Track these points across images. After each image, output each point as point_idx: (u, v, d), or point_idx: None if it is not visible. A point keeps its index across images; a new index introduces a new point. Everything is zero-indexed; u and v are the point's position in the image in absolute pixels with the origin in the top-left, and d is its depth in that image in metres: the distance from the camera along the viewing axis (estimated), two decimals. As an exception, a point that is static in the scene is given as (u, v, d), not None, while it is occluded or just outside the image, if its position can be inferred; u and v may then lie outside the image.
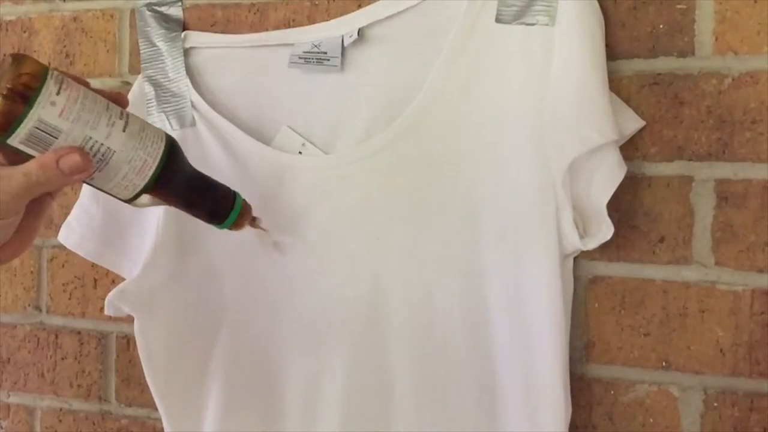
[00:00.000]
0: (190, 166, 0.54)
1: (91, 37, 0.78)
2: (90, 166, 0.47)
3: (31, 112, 0.45)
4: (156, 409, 0.71)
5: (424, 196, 0.63)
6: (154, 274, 0.69)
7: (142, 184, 0.50)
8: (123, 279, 0.71)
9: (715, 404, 0.61)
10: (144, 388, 0.73)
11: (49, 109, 0.45)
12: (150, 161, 0.49)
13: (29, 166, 0.46)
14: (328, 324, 0.67)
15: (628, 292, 0.63)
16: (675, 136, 0.61)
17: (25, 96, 0.45)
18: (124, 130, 0.48)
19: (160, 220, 0.69)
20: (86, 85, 0.49)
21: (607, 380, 0.64)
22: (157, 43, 0.71)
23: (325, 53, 0.66)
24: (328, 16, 0.69)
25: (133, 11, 0.75)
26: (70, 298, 0.80)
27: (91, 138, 0.47)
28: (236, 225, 0.57)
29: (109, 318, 0.75)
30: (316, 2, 0.70)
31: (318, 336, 0.67)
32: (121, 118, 0.48)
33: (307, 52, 0.66)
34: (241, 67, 0.69)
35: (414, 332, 0.64)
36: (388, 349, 0.65)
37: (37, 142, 0.46)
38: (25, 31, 0.80)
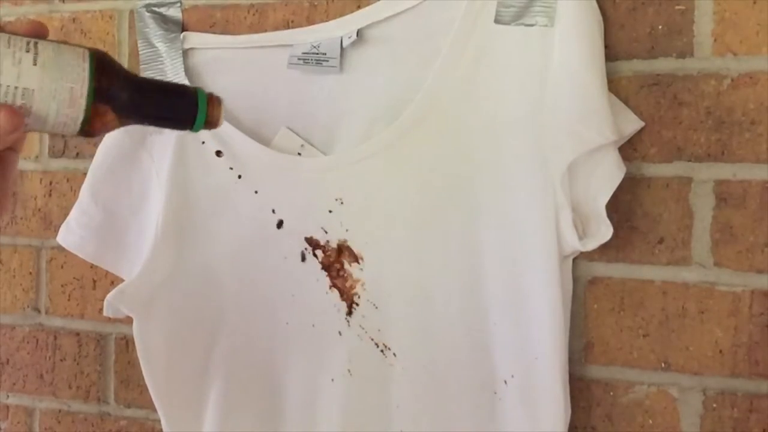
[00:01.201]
0: (129, 76, 0.47)
1: (90, 38, 0.78)
2: (20, 118, 0.42)
3: None
4: (155, 411, 0.71)
5: (424, 196, 0.63)
6: (153, 275, 0.69)
7: (81, 115, 0.44)
8: (122, 280, 0.71)
9: (715, 405, 0.61)
10: (143, 389, 0.73)
11: None
12: (78, 87, 0.44)
13: None
14: (327, 324, 0.67)
15: (628, 293, 0.63)
16: (674, 136, 0.61)
17: None
18: (35, 64, 0.43)
19: (159, 221, 0.69)
20: None
21: (606, 381, 0.64)
22: (156, 44, 0.71)
23: (324, 54, 0.66)
24: (327, 17, 0.69)
25: (132, 12, 0.75)
26: (69, 300, 0.80)
27: (1, 84, 0.42)
28: (209, 123, 0.49)
29: (108, 319, 0.74)
30: (315, 3, 0.70)
31: (317, 337, 0.67)
32: (28, 51, 0.43)
33: (306, 53, 0.66)
34: (240, 68, 0.69)
35: (413, 333, 0.64)
36: (388, 349, 0.65)
37: None
38: (24, 32, 0.80)
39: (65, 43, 0.45)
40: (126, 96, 0.46)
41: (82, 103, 0.44)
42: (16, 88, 0.42)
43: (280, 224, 0.67)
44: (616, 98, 0.61)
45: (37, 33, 0.45)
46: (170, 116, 0.48)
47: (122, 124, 0.47)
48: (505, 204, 0.61)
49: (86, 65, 0.44)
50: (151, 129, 0.48)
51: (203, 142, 0.68)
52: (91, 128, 0.45)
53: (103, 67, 0.45)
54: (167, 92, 0.48)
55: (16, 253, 0.82)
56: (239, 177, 0.68)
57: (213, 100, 0.49)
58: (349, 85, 0.66)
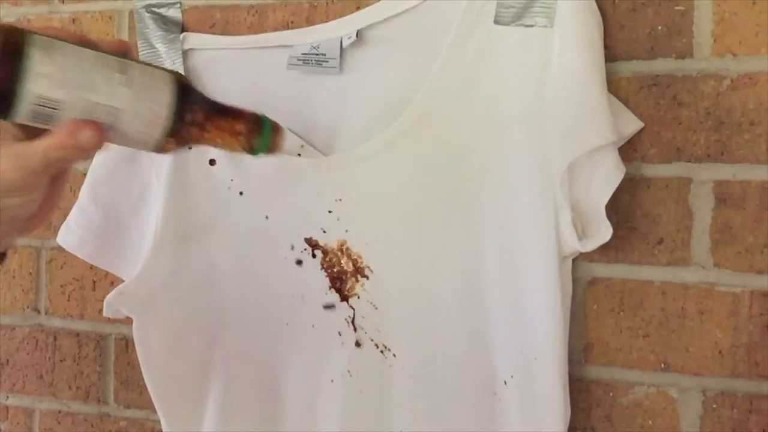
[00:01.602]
0: (206, 100, 0.50)
1: (90, 38, 0.78)
2: (103, 136, 0.45)
3: (23, 90, 0.42)
4: (155, 411, 0.71)
5: (423, 197, 0.63)
6: (153, 276, 0.69)
7: (158, 134, 0.47)
8: (122, 281, 0.71)
9: (714, 406, 0.61)
10: (143, 390, 0.73)
11: (42, 82, 0.43)
12: (160, 110, 0.47)
13: (45, 143, 0.45)
14: (326, 325, 0.67)
15: (627, 293, 0.63)
16: (674, 137, 0.61)
17: (8, 75, 0.42)
18: (125, 85, 0.46)
19: (159, 222, 0.69)
20: (84, 39, 0.47)
21: (606, 382, 0.64)
22: (156, 45, 0.71)
23: (324, 55, 0.66)
24: (327, 17, 0.69)
25: (131, 13, 0.75)
26: (68, 300, 0.80)
27: (94, 102, 0.45)
28: (271, 149, 0.52)
29: (108, 320, 0.74)
30: (315, 4, 0.70)
31: (317, 337, 0.67)
32: (120, 72, 0.46)
33: (305, 54, 0.66)
34: (239, 68, 0.69)
35: (413, 333, 0.64)
36: (388, 350, 0.65)
37: (43, 117, 0.44)
38: (23, 33, 0.80)
39: (151, 65, 0.48)
40: (201, 120, 0.49)
41: (162, 124, 0.47)
42: (106, 106, 0.45)
43: (279, 224, 0.67)
44: (615, 99, 0.61)
45: (124, 51, 0.48)
46: (237, 142, 0.51)
47: (192, 144, 0.50)
48: (505, 204, 0.61)
49: (170, 89, 0.47)
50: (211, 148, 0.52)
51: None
52: (164, 147, 0.48)
53: (184, 91, 0.48)
54: (238, 119, 0.51)
55: (15, 253, 0.82)
56: (238, 178, 0.68)
57: (277, 129, 0.52)
58: (348, 86, 0.66)
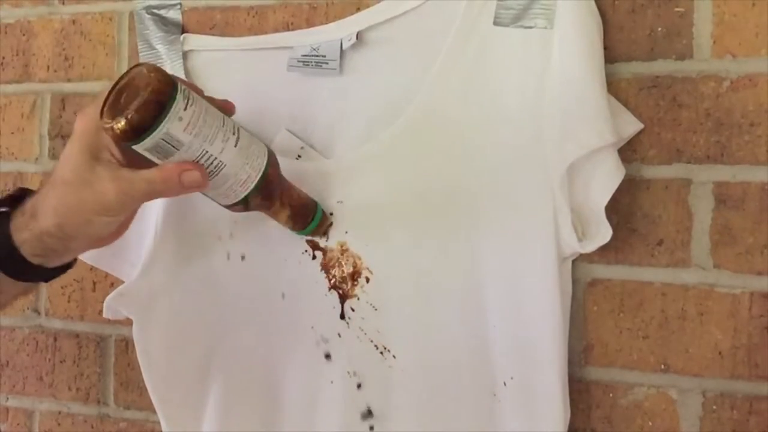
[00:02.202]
0: (284, 179, 0.58)
1: (90, 40, 0.78)
2: (206, 182, 0.51)
3: (161, 125, 0.47)
4: (155, 412, 0.71)
5: (423, 199, 0.63)
6: (153, 277, 0.69)
7: (243, 195, 0.54)
8: (122, 282, 0.71)
9: (714, 407, 0.61)
10: (143, 391, 0.73)
11: (176, 124, 0.48)
12: (253, 175, 0.54)
13: (152, 174, 0.49)
14: (326, 326, 0.67)
15: (627, 294, 0.63)
16: (673, 138, 0.61)
17: (157, 110, 0.47)
18: (235, 146, 0.52)
19: (158, 223, 0.69)
20: (200, 93, 0.52)
21: (605, 383, 0.64)
22: (156, 46, 0.71)
23: (324, 56, 0.66)
24: (327, 19, 0.69)
25: (131, 14, 0.75)
26: (68, 301, 0.80)
27: (207, 152, 0.50)
28: (314, 233, 0.63)
29: (108, 321, 0.74)
30: (315, 5, 0.70)
31: (317, 339, 0.67)
32: (234, 134, 0.52)
33: (305, 56, 0.66)
34: (239, 70, 0.69)
35: (413, 334, 0.64)
36: (387, 351, 0.65)
37: (160, 152, 0.49)
38: (24, 34, 0.80)
39: (251, 134, 0.55)
40: (276, 194, 0.57)
41: (249, 186, 0.54)
42: (215, 158, 0.51)
43: (279, 226, 0.67)
44: (615, 100, 0.61)
45: (229, 110, 0.55)
46: (293, 220, 0.61)
47: (254, 209, 0.57)
48: (505, 206, 0.61)
49: (265, 159, 0.55)
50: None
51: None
52: (240, 206, 0.55)
53: (274, 165, 0.56)
54: (303, 202, 0.61)
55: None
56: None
57: (325, 218, 0.63)
58: (348, 88, 0.66)
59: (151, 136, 0.48)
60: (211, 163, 0.51)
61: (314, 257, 0.67)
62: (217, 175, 0.52)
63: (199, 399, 0.70)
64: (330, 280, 0.67)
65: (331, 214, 0.66)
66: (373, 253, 0.65)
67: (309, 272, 0.67)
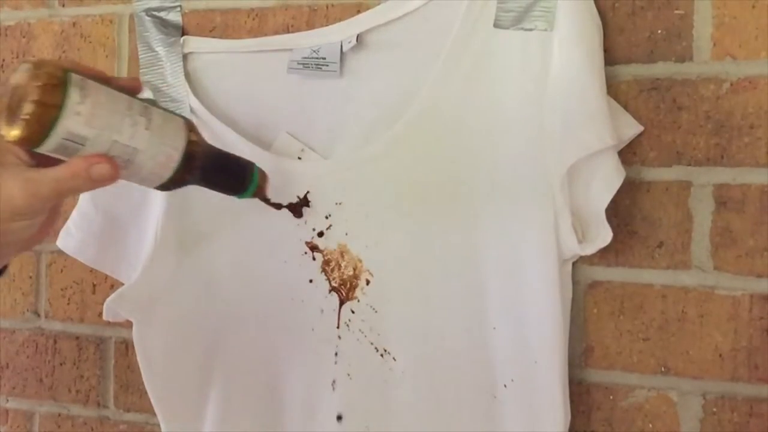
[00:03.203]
0: (210, 147, 0.54)
1: (90, 42, 0.78)
2: (117, 173, 0.48)
3: (57, 126, 0.45)
4: (154, 415, 0.71)
5: (423, 201, 0.63)
6: (153, 279, 0.69)
7: (168, 175, 0.50)
8: (122, 284, 0.71)
9: (714, 409, 0.61)
10: (142, 393, 0.73)
11: (74, 120, 0.45)
12: (174, 153, 0.50)
13: (59, 173, 0.47)
14: (326, 328, 0.67)
15: (627, 297, 0.63)
16: (673, 141, 0.61)
17: (50, 111, 0.44)
18: (147, 128, 0.48)
19: (159, 225, 0.69)
20: (102, 75, 0.49)
21: (606, 385, 0.64)
22: (156, 48, 0.71)
23: (324, 59, 0.66)
24: (327, 21, 0.69)
25: (132, 16, 0.75)
26: (68, 303, 0.80)
27: (116, 141, 0.47)
28: (257, 194, 0.58)
29: (108, 323, 0.74)
30: (315, 8, 0.70)
31: (317, 340, 0.67)
32: (143, 115, 0.49)
33: (305, 58, 0.66)
34: (239, 72, 0.69)
35: (413, 336, 0.64)
36: (387, 353, 0.65)
37: (65, 150, 0.46)
38: (24, 36, 0.80)
39: (167, 111, 0.51)
40: (204, 165, 0.53)
41: (172, 166, 0.50)
42: (126, 146, 0.48)
43: (279, 228, 0.67)
44: (615, 102, 0.61)
45: (136, 89, 0.51)
46: (230, 185, 0.56)
47: (190, 184, 0.53)
48: (505, 208, 0.61)
49: (183, 135, 0.51)
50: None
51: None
52: (167, 186, 0.52)
53: (196, 137, 0.52)
54: (233, 165, 0.56)
55: (15, 257, 0.81)
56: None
57: (263, 175, 0.57)
58: (348, 90, 0.66)
59: (49, 139, 0.45)
60: (123, 151, 0.48)
61: (314, 259, 0.67)
62: (132, 162, 0.48)
63: (199, 401, 0.70)
64: (330, 282, 0.67)
65: (330, 215, 0.66)
66: (373, 255, 0.65)
67: (309, 274, 0.67)
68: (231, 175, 0.56)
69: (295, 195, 0.66)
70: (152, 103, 0.51)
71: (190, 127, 0.52)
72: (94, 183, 0.47)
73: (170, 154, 0.50)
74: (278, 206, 0.64)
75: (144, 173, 0.50)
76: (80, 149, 0.46)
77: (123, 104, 0.48)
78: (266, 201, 0.61)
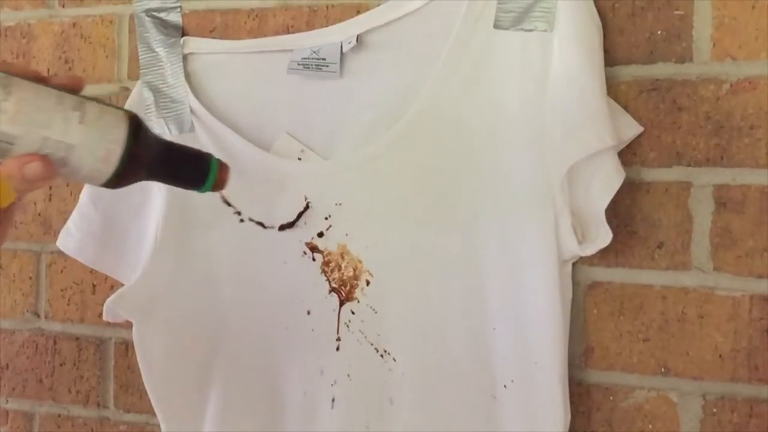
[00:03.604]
0: (158, 140, 0.52)
1: (90, 42, 0.78)
2: (52, 170, 0.46)
3: None
4: (154, 415, 0.71)
5: (423, 201, 0.63)
6: (153, 280, 0.69)
7: (111, 171, 0.48)
8: (121, 285, 0.71)
9: (714, 410, 0.61)
10: (142, 394, 0.73)
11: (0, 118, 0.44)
12: (115, 147, 0.48)
13: None
14: (326, 328, 0.67)
15: (627, 297, 0.63)
16: (673, 141, 0.61)
17: None
18: (81, 122, 0.46)
19: (159, 226, 0.69)
20: (36, 75, 0.48)
21: (606, 386, 0.64)
22: (156, 49, 0.71)
23: (324, 59, 0.66)
24: (327, 22, 0.69)
25: (132, 17, 0.75)
26: (68, 304, 0.80)
27: (47, 138, 0.45)
28: (217, 186, 0.54)
29: (108, 324, 0.74)
30: (315, 8, 0.70)
31: (317, 341, 0.67)
32: (75, 110, 0.47)
33: (305, 59, 0.66)
34: (239, 73, 0.69)
35: (413, 337, 0.64)
36: (388, 354, 0.65)
37: None
38: (24, 37, 0.80)
39: (106, 104, 0.49)
40: (152, 158, 0.50)
41: (115, 161, 0.48)
42: (60, 142, 0.46)
43: (279, 229, 0.67)
44: (615, 103, 0.61)
45: (77, 87, 0.49)
46: (186, 179, 0.53)
47: (142, 179, 0.51)
48: (505, 209, 0.61)
49: (124, 128, 0.48)
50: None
51: (202, 147, 0.68)
52: (116, 182, 0.49)
53: (138, 131, 0.49)
54: (186, 157, 0.53)
55: (15, 257, 0.82)
56: (239, 182, 0.68)
57: (223, 166, 0.53)
58: (348, 90, 0.66)
59: None
60: (57, 147, 0.46)
61: (314, 260, 0.67)
62: (69, 158, 0.46)
63: (199, 402, 0.70)
64: (330, 283, 0.67)
65: (330, 216, 0.66)
66: (373, 256, 0.65)
67: (309, 275, 0.67)
68: (186, 167, 0.53)
69: (293, 199, 0.66)
70: (93, 99, 0.49)
71: (135, 120, 0.49)
72: (30, 183, 0.46)
73: (110, 148, 0.47)
74: (238, 212, 0.62)
75: (85, 170, 0.48)
76: (10, 149, 0.45)
77: (52, 100, 0.46)
78: (227, 202, 0.58)
